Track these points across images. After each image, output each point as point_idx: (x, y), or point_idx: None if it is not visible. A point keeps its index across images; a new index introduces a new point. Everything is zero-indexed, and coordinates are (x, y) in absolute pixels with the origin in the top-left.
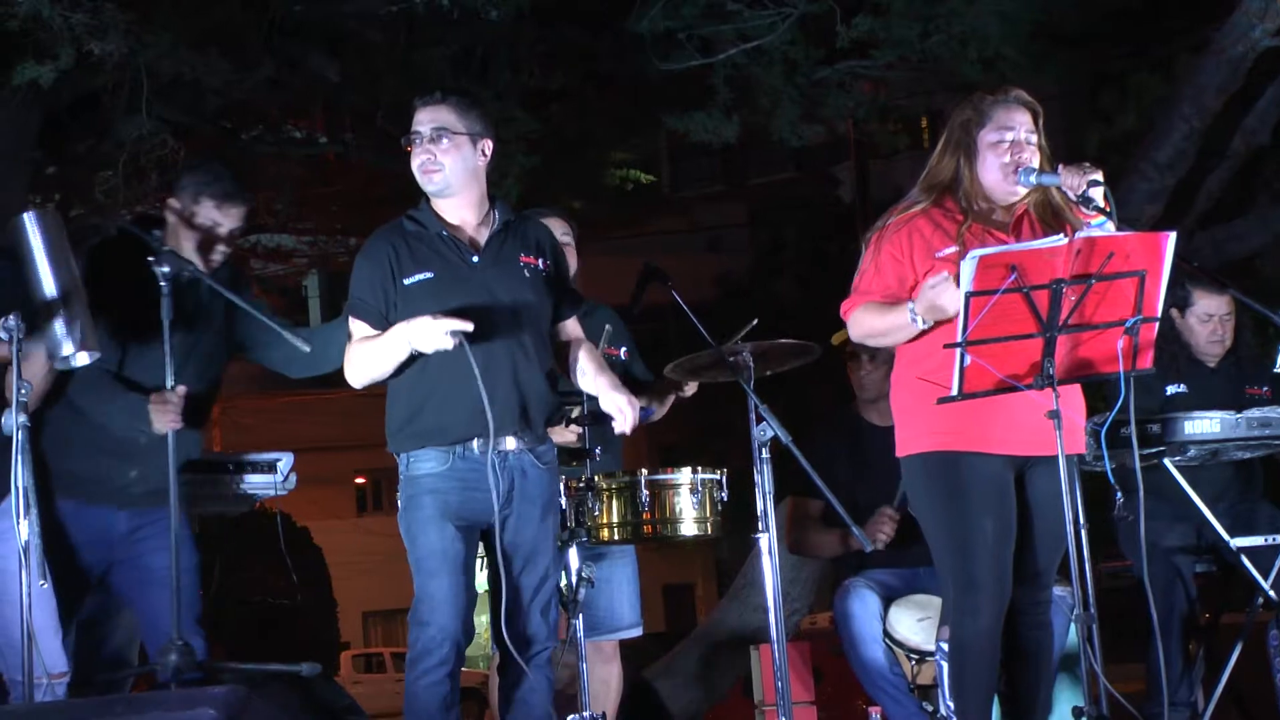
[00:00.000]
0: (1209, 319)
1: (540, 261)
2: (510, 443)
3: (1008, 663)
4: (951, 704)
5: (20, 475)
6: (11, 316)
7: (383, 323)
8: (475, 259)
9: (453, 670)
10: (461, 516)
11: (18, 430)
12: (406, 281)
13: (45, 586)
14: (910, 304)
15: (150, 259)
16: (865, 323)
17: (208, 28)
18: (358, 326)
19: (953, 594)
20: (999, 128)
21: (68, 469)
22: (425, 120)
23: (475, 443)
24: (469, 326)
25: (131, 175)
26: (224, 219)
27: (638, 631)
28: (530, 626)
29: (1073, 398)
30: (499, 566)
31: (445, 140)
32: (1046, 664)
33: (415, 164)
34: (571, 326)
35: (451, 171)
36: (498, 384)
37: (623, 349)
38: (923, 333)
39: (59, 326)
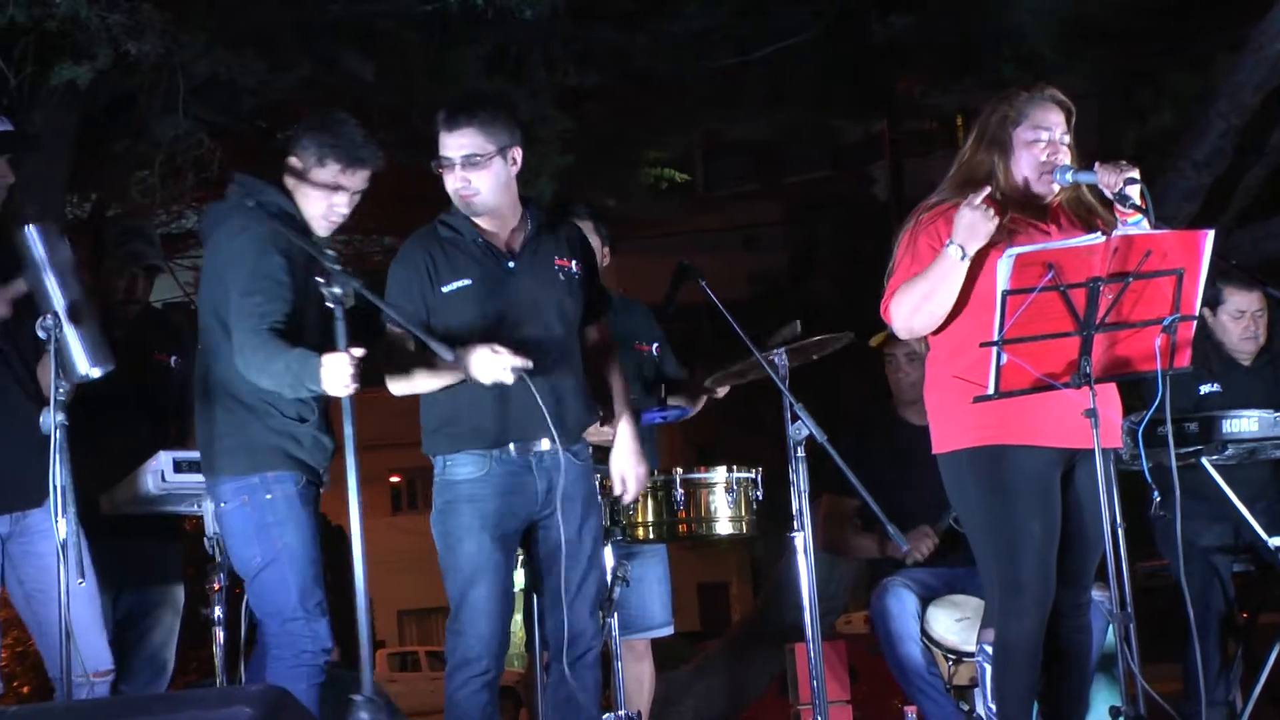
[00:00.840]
0: (1241, 315)
1: (573, 263)
2: (545, 444)
3: (1046, 664)
4: (993, 706)
5: (59, 474)
6: (49, 315)
7: (419, 305)
8: (511, 264)
9: (492, 679)
10: (499, 526)
11: (56, 429)
12: (445, 289)
13: (83, 584)
14: (949, 243)
15: (319, 280)
16: (907, 296)
17: (243, 27)
18: (394, 336)
19: (998, 596)
20: (1034, 126)
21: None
22: (453, 146)
23: (512, 446)
24: (529, 364)
25: (168, 175)
26: (350, 182)
27: (669, 630)
28: (576, 625)
29: (1109, 394)
30: (540, 565)
31: (477, 163)
32: (1086, 666)
33: (450, 188)
34: (598, 331)
35: (488, 191)
36: (523, 392)
37: (654, 345)
38: (955, 329)
39: (75, 343)
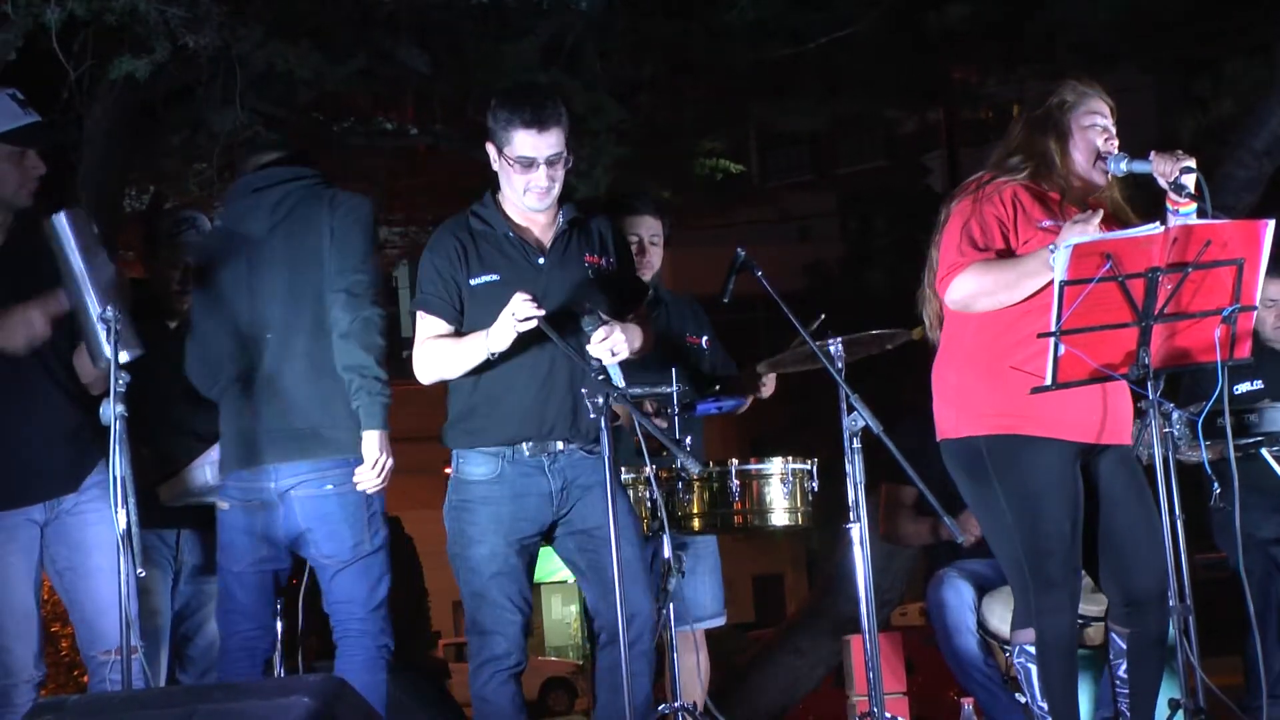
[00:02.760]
0: (1272, 304)
1: (604, 260)
2: (559, 445)
3: (1137, 655)
4: (1044, 704)
5: (119, 464)
6: (109, 307)
7: (456, 317)
8: (541, 260)
9: (519, 670)
10: (514, 529)
11: (115, 420)
12: (473, 282)
13: (143, 575)
14: (1050, 247)
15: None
16: (988, 277)
17: (300, 20)
18: (429, 322)
19: (1032, 594)
20: (1090, 112)
21: None
22: (543, 146)
23: (525, 445)
24: (529, 306)
25: (225, 167)
26: (541, 144)
27: (720, 621)
28: (627, 607)
29: (1121, 388)
30: (576, 560)
31: (558, 162)
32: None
33: (524, 184)
34: (636, 321)
35: (558, 188)
36: (554, 387)
37: (704, 337)
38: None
39: (100, 327)
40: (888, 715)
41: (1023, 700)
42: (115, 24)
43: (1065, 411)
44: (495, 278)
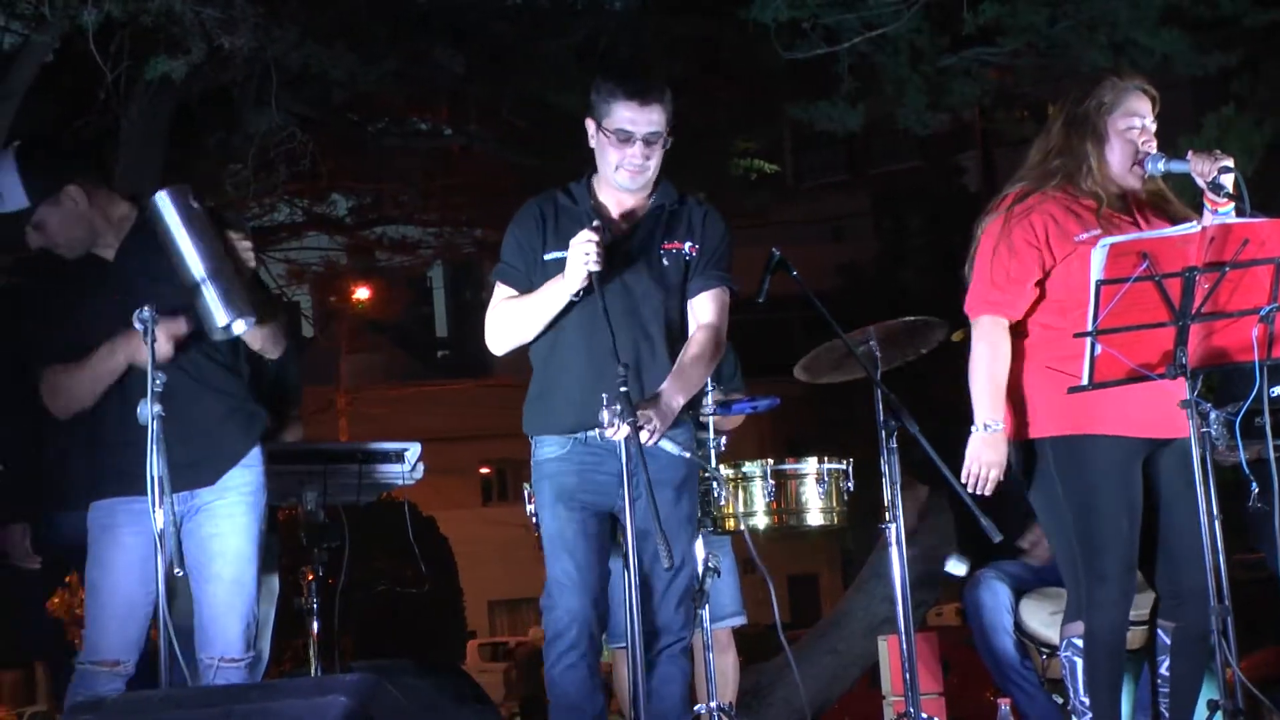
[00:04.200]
0: None
1: (687, 245)
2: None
3: (1175, 651)
4: (1085, 699)
5: (156, 464)
6: (146, 308)
7: (527, 288)
8: (613, 240)
9: (587, 652)
10: (577, 498)
11: (153, 420)
12: (546, 257)
13: (180, 574)
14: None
15: None
16: (977, 361)
17: (335, 21)
18: (502, 293)
19: (1084, 588)
20: (1128, 113)
21: None
22: (642, 122)
23: (596, 432)
24: (592, 245)
25: (260, 168)
26: (640, 119)
27: (739, 620)
28: (662, 617)
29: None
30: (625, 555)
31: (656, 141)
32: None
33: (619, 159)
34: (699, 305)
35: (654, 170)
36: (603, 378)
37: None
38: (1040, 318)
39: (212, 298)
40: (924, 715)
41: (1060, 701)
42: (151, 25)
43: (1126, 409)
44: (564, 254)
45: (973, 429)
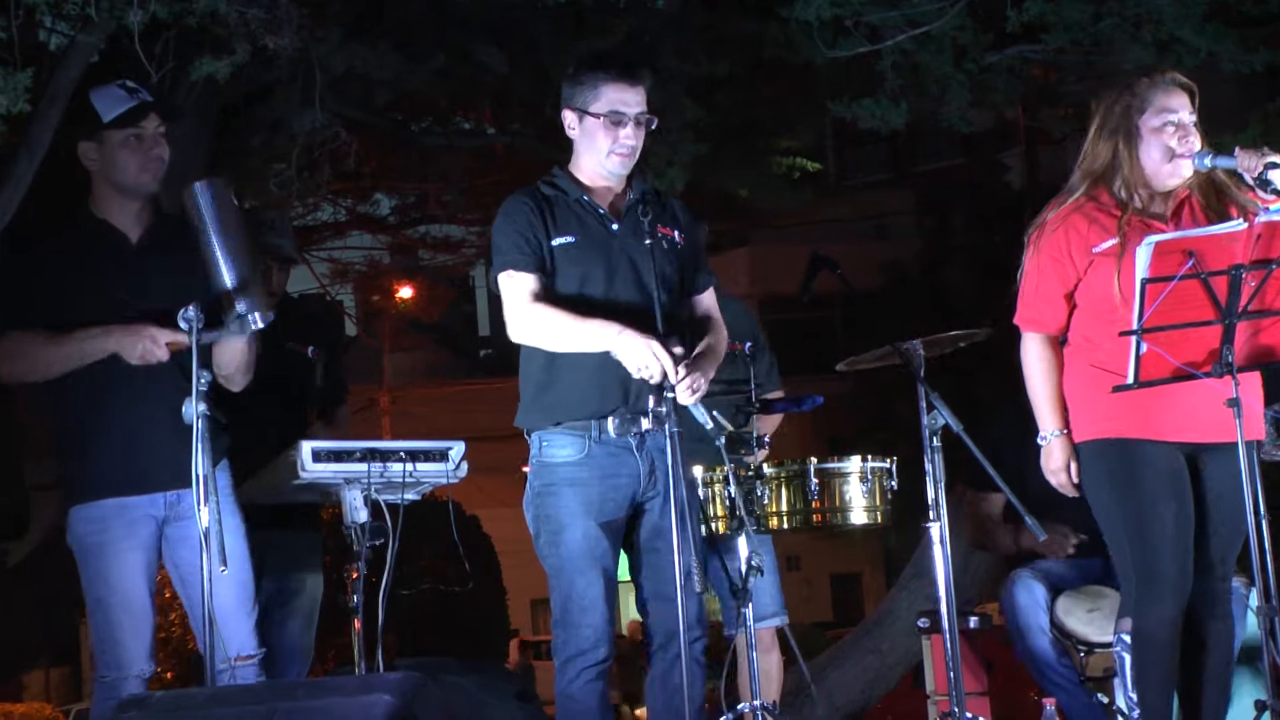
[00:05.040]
0: None
1: (676, 233)
2: (645, 422)
3: (1186, 655)
4: (1134, 696)
5: (201, 463)
6: (190, 307)
7: (547, 271)
8: (615, 226)
9: (607, 667)
10: (604, 512)
11: (198, 419)
12: (554, 242)
13: (225, 571)
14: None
15: None
16: (1027, 376)
17: (378, 21)
18: (521, 280)
19: (1134, 585)
20: (1160, 111)
21: None
22: (634, 102)
23: (611, 423)
24: (678, 374)
25: (304, 168)
26: (631, 99)
27: (780, 621)
28: (663, 614)
29: (1251, 383)
30: (642, 553)
31: (644, 123)
32: (1228, 656)
33: (610, 143)
34: (706, 301)
35: (637, 155)
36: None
37: (747, 344)
38: (1085, 318)
39: (233, 289)
40: (968, 715)
41: (1105, 700)
42: (196, 26)
43: (1171, 413)
44: (571, 239)
45: (1040, 442)
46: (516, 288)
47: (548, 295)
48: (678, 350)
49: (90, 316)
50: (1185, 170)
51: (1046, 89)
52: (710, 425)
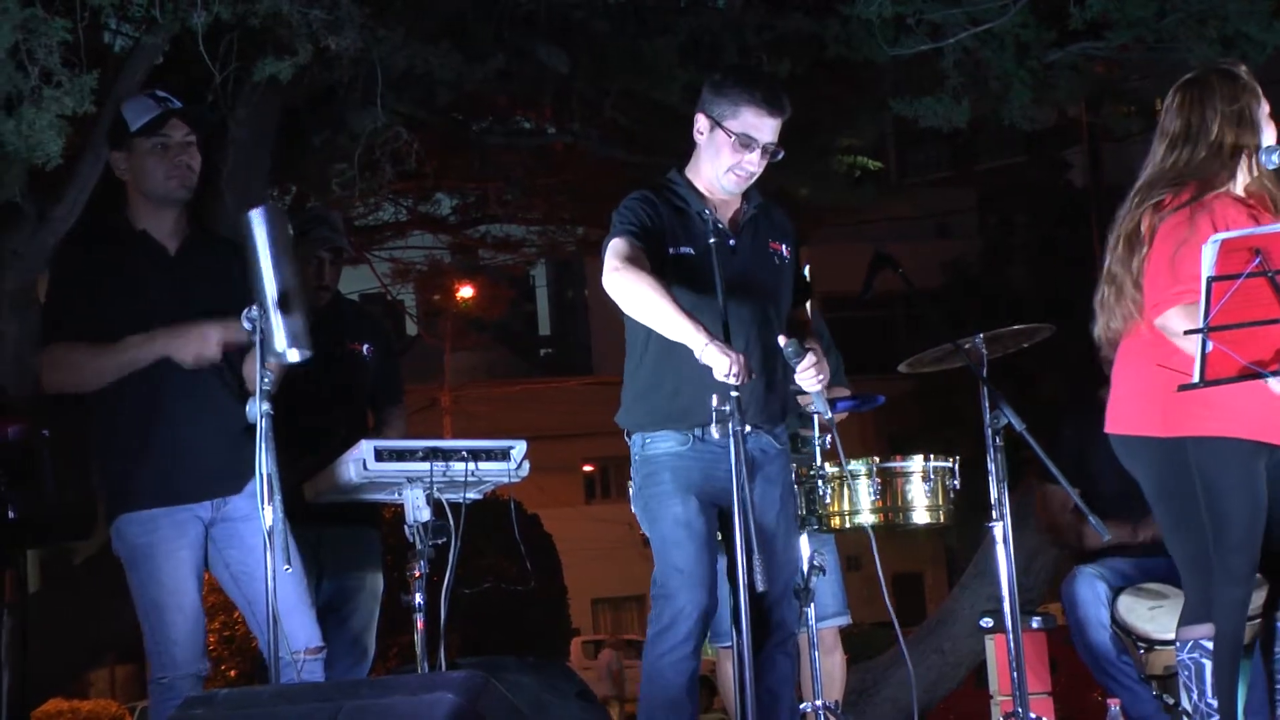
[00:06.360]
0: None
1: (784, 246)
2: (747, 427)
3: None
4: (1213, 701)
5: (265, 462)
6: (254, 306)
7: (653, 250)
8: (733, 242)
9: (698, 647)
10: (704, 491)
11: (261, 418)
12: (672, 251)
13: (289, 570)
14: None
15: None
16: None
17: (439, 21)
18: (627, 246)
19: (1217, 589)
20: (1261, 100)
21: None
22: (768, 131)
23: (714, 427)
24: (736, 375)
25: (365, 168)
26: (766, 127)
27: (843, 621)
28: (774, 613)
29: None
30: (739, 551)
31: (772, 153)
32: None
33: (732, 162)
34: (807, 315)
35: (755, 178)
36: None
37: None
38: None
39: (277, 321)
40: (1032, 716)
41: (1170, 701)
42: (259, 27)
43: (1249, 410)
44: (690, 251)
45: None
46: (618, 245)
47: (645, 264)
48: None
49: (132, 327)
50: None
51: (1109, 86)
52: (828, 415)
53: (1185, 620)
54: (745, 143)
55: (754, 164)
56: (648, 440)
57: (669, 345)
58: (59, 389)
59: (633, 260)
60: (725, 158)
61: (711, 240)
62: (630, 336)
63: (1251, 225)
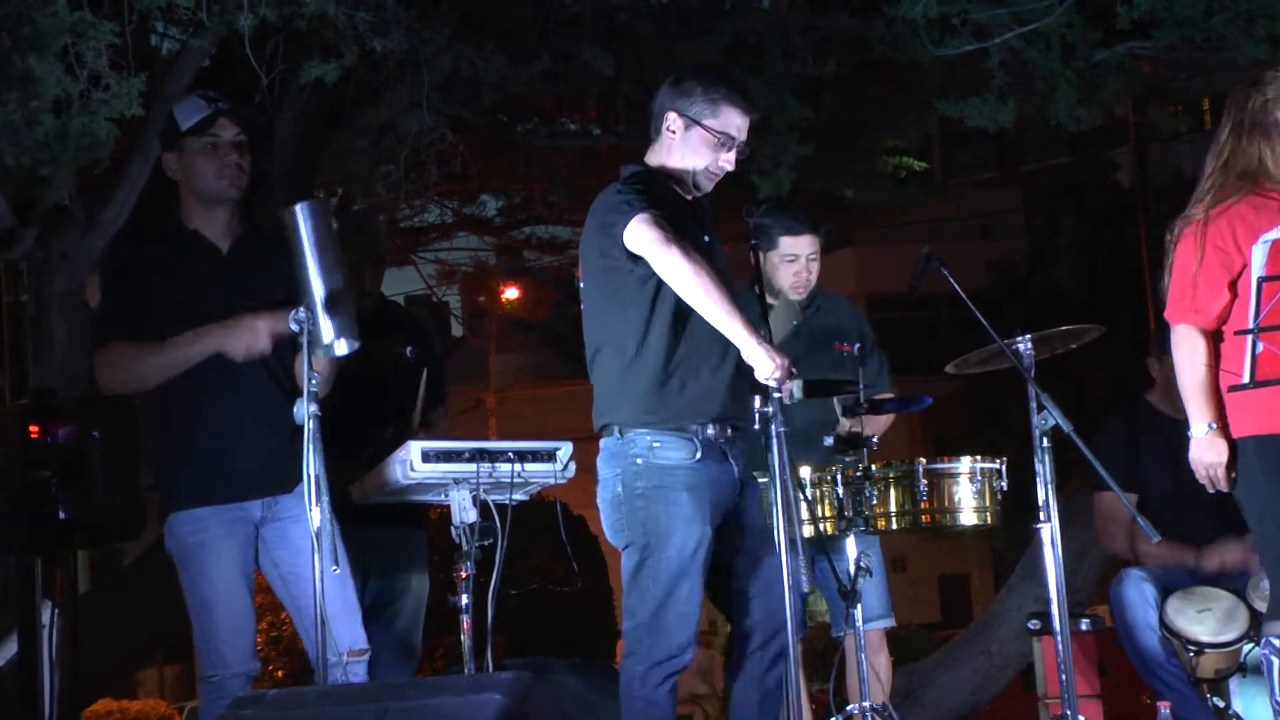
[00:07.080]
0: None
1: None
2: (730, 430)
3: None
4: None
5: (313, 462)
6: (302, 308)
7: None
8: (706, 239)
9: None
10: (712, 520)
11: (309, 419)
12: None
13: (337, 571)
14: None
15: None
16: (1179, 370)
17: (485, 23)
18: (664, 220)
19: None
20: None
21: None
22: (745, 130)
23: (713, 427)
24: (781, 377)
25: (411, 169)
26: (744, 126)
27: (887, 623)
28: (782, 614)
29: None
30: (739, 555)
31: (740, 151)
32: None
33: (710, 160)
34: None
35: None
36: (726, 364)
37: (855, 345)
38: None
39: (322, 313)
40: (1080, 718)
41: (1221, 705)
42: (305, 29)
43: None
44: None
45: (1191, 435)
46: (657, 219)
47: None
48: None
49: (185, 326)
50: None
51: (1156, 86)
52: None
53: (1269, 615)
54: (723, 141)
55: (731, 162)
56: (656, 443)
57: (672, 341)
58: (115, 389)
59: (679, 241)
60: (703, 156)
61: (706, 238)
62: (621, 332)
63: (1265, 221)
